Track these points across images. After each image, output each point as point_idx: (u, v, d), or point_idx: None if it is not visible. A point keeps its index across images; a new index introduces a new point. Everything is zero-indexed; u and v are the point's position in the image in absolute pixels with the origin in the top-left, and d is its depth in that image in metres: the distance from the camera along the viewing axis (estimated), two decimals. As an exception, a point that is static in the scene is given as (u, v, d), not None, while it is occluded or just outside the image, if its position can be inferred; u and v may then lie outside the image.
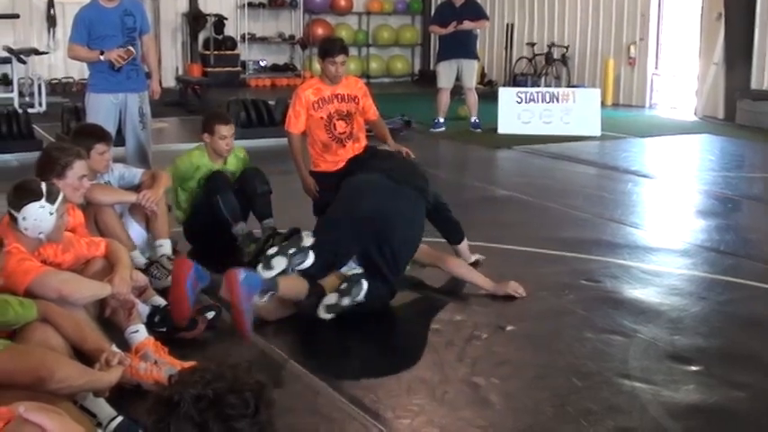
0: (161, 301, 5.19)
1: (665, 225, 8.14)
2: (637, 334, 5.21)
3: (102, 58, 7.72)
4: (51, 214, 4.43)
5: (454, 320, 5.43)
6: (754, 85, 15.37)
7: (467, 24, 13.25)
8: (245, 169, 6.95)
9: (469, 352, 4.95)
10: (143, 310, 5.07)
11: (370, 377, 4.69)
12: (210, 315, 5.18)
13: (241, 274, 4.95)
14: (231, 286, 4.88)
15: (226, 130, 6.80)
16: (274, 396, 2.12)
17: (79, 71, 15.93)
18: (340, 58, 7.03)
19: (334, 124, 7.13)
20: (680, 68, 17.24)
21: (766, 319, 5.66)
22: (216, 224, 6.63)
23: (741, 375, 4.72)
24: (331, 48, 7.10)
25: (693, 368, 4.81)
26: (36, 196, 4.42)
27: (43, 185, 4.52)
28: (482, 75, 19.53)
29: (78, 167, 5.30)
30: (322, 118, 7.11)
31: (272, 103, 13.01)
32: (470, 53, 13.56)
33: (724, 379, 4.67)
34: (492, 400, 4.40)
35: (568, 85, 17.01)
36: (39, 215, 4.40)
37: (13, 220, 4.42)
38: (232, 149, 6.90)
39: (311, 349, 5.10)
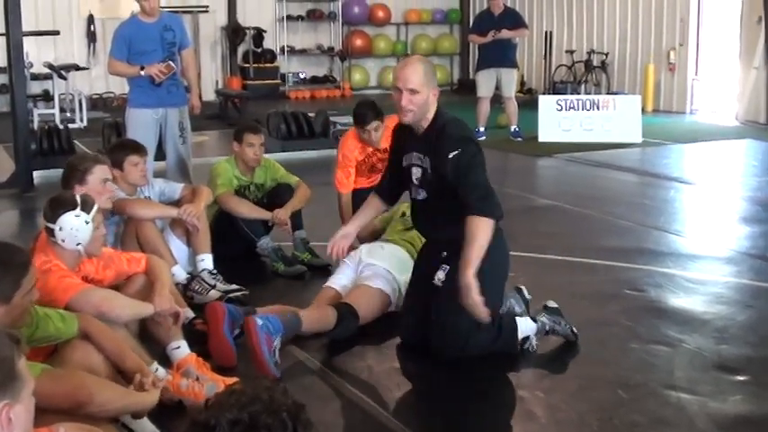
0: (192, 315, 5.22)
1: (709, 232, 8.04)
2: (682, 344, 5.14)
3: (142, 73, 7.77)
4: (87, 223, 4.43)
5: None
6: (796, 88, 15.20)
7: (505, 33, 13.21)
8: (278, 184, 6.96)
9: (512, 365, 4.91)
10: (189, 315, 5.10)
11: (407, 391, 4.66)
12: (235, 332, 5.15)
13: (258, 321, 4.77)
14: (250, 334, 4.73)
15: (254, 138, 6.81)
16: (311, 418, 2.09)
17: (120, 86, 16.08)
18: (373, 125, 6.98)
19: (376, 165, 7.15)
20: (720, 73, 17.07)
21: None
22: (239, 241, 6.66)
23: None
24: (362, 117, 7.02)
25: (741, 378, 4.73)
26: (71, 206, 4.44)
27: (78, 196, 4.54)
28: (521, 83, 19.46)
29: (99, 171, 5.37)
30: (365, 165, 7.20)
31: (311, 115, 13.02)
32: (509, 62, 13.51)
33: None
34: (537, 414, 4.36)
35: (608, 92, 16.89)
36: (75, 225, 4.41)
37: (50, 233, 4.43)
38: (260, 161, 6.90)
39: (354, 364, 5.05)
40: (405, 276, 5.50)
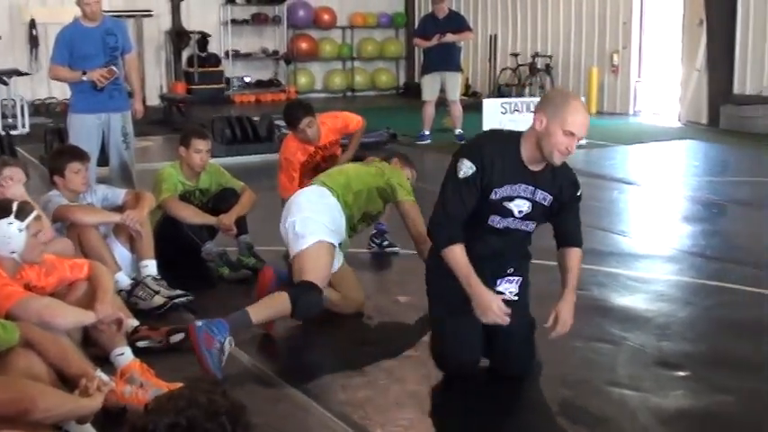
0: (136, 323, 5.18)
1: (652, 232, 8.15)
2: (625, 341, 5.22)
3: (84, 78, 7.71)
4: (20, 231, 4.38)
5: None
6: (736, 89, 15.41)
7: (450, 37, 13.26)
8: (223, 189, 6.93)
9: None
10: (133, 324, 5.08)
11: (358, 393, 4.67)
12: (178, 338, 5.15)
13: (198, 323, 4.79)
14: (189, 335, 4.79)
15: (202, 144, 6.78)
16: (251, 419, 2.09)
17: (62, 91, 15.87)
18: (305, 122, 7.08)
19: (320, 165, 7.18)
20: (663, 75, 17.29)
21: (752, 322, 5.67)
22: (184, 246, 6.61)
23: (728, 379, 4.72)
24: (292, 118, 7.16)
25: (681, 374, 4.82)
26: (4, 213, 4.40)
27: (15, 204, 4.50)
28: (467, 86, 19.52)
29: (7, 172, 5.44)
30: (309, 165, 7.25)
31: (256, 119, 12.99)
32: (454, 65, 13.57)
33: (711, 384, 4.68)
34: (481, 410, 4.39)
35: (552, 95, 16.98)
36: (8, 232, 4.36)
37: None
38: (206, 166, 6.87)
39: (297, 366, 5.06)
40: (329, 213, 5.53)
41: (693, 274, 6.72)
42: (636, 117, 17.14)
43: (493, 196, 4.46)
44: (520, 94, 17.66)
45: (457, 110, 13.63)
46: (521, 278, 4.74)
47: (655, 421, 4.24)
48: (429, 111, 13.55)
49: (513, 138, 4.53)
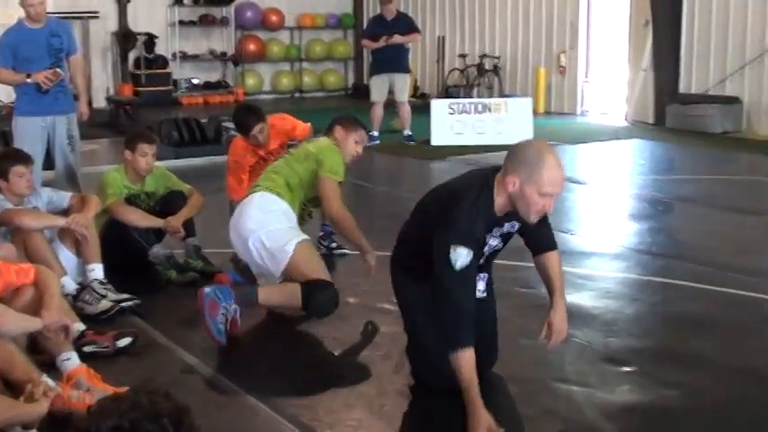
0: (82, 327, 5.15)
1: (599, 230, 8.23)
2: (572, 338, 5.23)
3: (28, 80, 7.64)
4: None
5: (391, 332, 5.42)
6: (682, 89, 15.62)
7: (397, 38, 13.30)
8: (170, 191, 6.89)
9: (407, 364, 4.93)
10: (79, 328, 5.04)
11: (308, 394, 4.66)
12: (125, 342, 5.13)
13: (206, 289, 5.11)
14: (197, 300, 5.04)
15: (148, 147, 6.71)
16: (196, 420, 2.08)
17: (7, 94, 15.69)
18: (257, 129, 7.04)
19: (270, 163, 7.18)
20: (610, 75, 17.45)
21: (697, 317, 5.75)
22: (131, 249, 6.55)
23: (674, 374, 4.79)
24: (245, 124, 7.09)
25: (627, 369, 4.88)
26: None
27: None
28: (415, 87, 19.57)
29: None
30: (259, 168, 7.15)
31: (204, 121, 12.92)
32: (402, 67, 13.62)
33: (657, 378, 4.74)
34: (429, 410, 4.41)
35: (501, 96, 17.10)
36: None
37: None
38: (152, 169, 6.82)
39: (246, 368, 5.05)
40: (286, 216, 5.56)
41: (640, 270, 6.79)
42: (583, 117, 17.27)
43: (486, 250, 4.40)
44: (468, 95, 17.74)
45: (405, 111, 13.67)
46: (487, 275, 4.68)
47: (601, 416, 4.29)
48: (377, 112, 13.57)
49: (485, 194, 4.13)
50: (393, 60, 13.39)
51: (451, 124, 13.64)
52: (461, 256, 3.98)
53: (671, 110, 15.31)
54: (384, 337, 5.37)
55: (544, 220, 4.36)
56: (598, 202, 9.66)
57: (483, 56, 18.73)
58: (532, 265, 6.69)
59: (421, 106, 15.28)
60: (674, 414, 4.36)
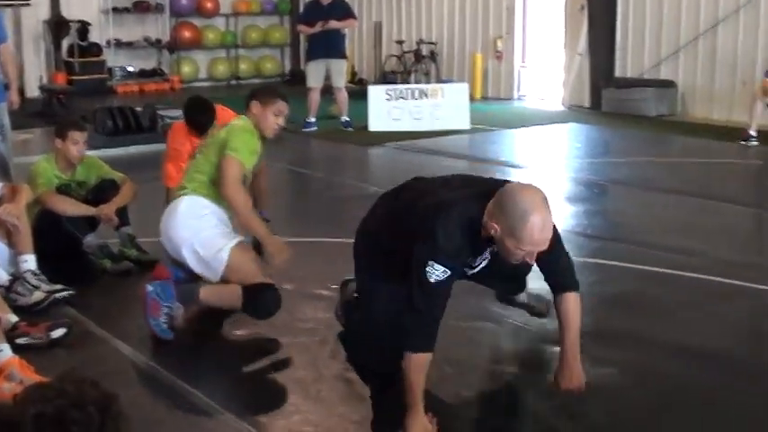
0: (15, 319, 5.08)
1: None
2: (506, 320, 5.29)
3: (-44, 70, 7.51)
4: None
5: (327, 318, 5.41)
6: (617, 73, 15.77)
7: (333, 24, 13.26)
8: (102, 180, 6.80)
9: (342, 348, 4.94)
10: (11, 320, 4.97)
11: (243, 381, 4.65)
12: (59, 333, 5.07)
13: (148, 287, 5.09)
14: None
15: (79, 135, 6.60)
16: (122, 409, 2.06)
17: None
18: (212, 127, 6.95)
19: None
20: (546, 60, 17.55)
21: (631, 297, 5.82)
22: (64, 239, 6.46)
23: (608, 352, 4.84)
24: (202, 125, 6.86)
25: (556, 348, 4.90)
26: None
27: None
28: (353, 73, 19.53)
29: None
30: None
31: (139, 109, 12.78)
32: (339, 52, 13.56)
33: (592, 357, 4.75)
34: (366, 395, 4.42)
35: (438, 81, 17.14)
36: None
37: None
38: (83, 158, 6.73)
39: (182, 357, 5.01)
40: (215, 217, 5.32)
41: (576, 252, 6.78)
42: (520, 102, 17.35)
43: (468, 272, 4.29)
44: (406, 81, 17.73)
45: (342, 97, 13.63)
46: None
47: (534, 396, 4.33)
48: (314, 98, 13.51)
49: (475, 222, 3.90)
50: (329, 46, 13.33)
51: (389, 110, 13.64)
52: (436, 274, 3.86)
53: (607, 94, 15.45)
54: (320, 323, 5.36)
55: (556, 252, 4.05)
56: (542, 187, 9.70)
57: (420, 42, 18.73)
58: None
59: (359, 92, 15.25)
60: (608, 391, 4.41)
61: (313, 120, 13.49)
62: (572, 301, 4.15)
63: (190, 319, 5.31)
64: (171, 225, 5.34)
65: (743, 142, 11.95)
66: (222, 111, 7.36)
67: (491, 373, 4.60)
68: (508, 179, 4.31)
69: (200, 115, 6.98)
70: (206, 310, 5.41)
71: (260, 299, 5.06)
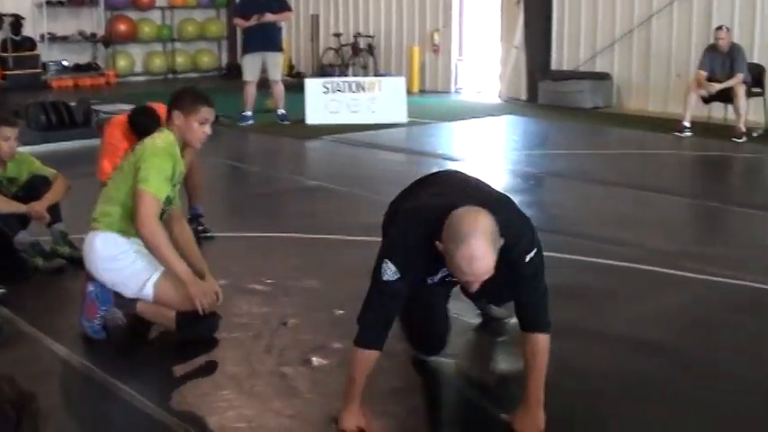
0: None
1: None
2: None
3: None
4: None
5: (262, 313, 5.39)
6: (554, 66, 15.90)
7: (269, 17, 13.18)
8: (33, 176, 6.68)
9: (277, 343, 4.92)
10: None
11: (177, 378, 4.60)
12: None
13: (90, 286, 4.99)
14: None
15: (10, 131, 6.48)
16: (40, 407, 2.02)
17: None
18: None
19: None
20: (483, 53, 17.61)
21: (569, 287, 5.82)
22: None
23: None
24: (145, 131, 6.71)
25: (498, 339, 4.93)
26: None
27: None
28: (290, 67, 19.47)
29: None
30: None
31: (73, 104, 12.60)
32: (275, 45, 13.49)
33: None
34: (300, 389, 4.40)
35: (375, 75, 17.13)
36: None
37: None
38: (14, 154, 6.60)
39: (115, 355, 4.94)
40: (131, 252, 5.00)
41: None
42: (458, 95, 17.41)
43: (429, 281, 4.18)
44: (343, 74, 17.70)
45: (279, 90, 13.57)
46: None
47: (469, 386, 4.34)
48: (250, 91, 13.43)
49: (434, 230, 3.70)
50: (265, 39, 13.25)
51: (326, 103, 13.61)
52: (388, 272, 3.80)
53: (543, 86, 15.55)
54: (255, 318, 5.31)
55: (530, 283, 3.94)
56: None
57: (357, 35, 18.72)
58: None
59: (296, 85, 15.18)
60: (546, 381, 4.42)
61: (249, 113, 13.42)
62: (540, 343, 3.91)
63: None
64: (91, 265, 5.06)
65: (677, 134, 12.11)
66: (161, 108, 7.23)
67: (424, 364, 4.58)
68: (504, 196, 4.26)
69: (142, 119, 6.85)
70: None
71: (192, 328, 4.94)
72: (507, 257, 3.73)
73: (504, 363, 4.68)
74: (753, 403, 4.29)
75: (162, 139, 4.94)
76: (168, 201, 4.97)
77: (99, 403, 4.32)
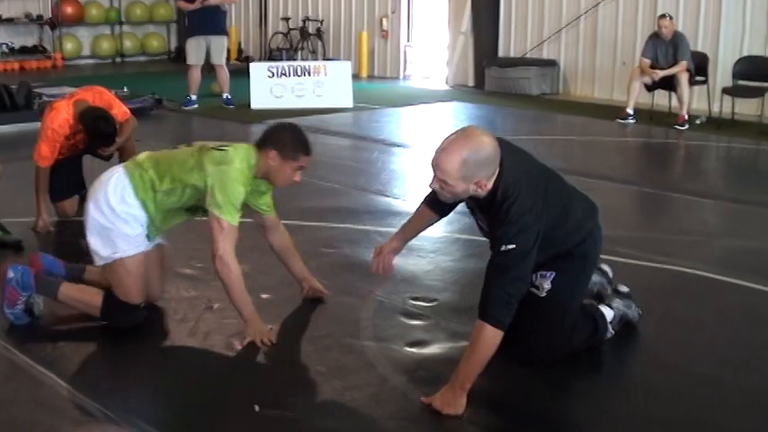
0: None
1: (410, 190, 8.29)
2: (370, 294, 5.28)
3: None
4: None
5: (189, 297, 5.34)
6: (501, 52, 15.94)
7: (213, 0, 13.09)
8: None
9: (202, 326, 4.88)
10: None
11: (97, 361, 4.56)
12: None
13: (10, 272, 4.86)
14: None
15: None
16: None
17: None
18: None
19: (78, 146, 6.98)
20: (431, 39, 17.62)
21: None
22: None
23: (468, 326, 4.81)
24: (108, 139, 6.81)
25: (423, 323, 4.94)
26: None
27: None
28: (239, 51, 19.38)
29: None
30: (70, 143, 6.90)
31: (14, 87, 12.42)
32: (219, 29, 13.38)
33: (452, 330, 4.80)
34: (223, 372, 4.37)
35: (324, 59, 17.07)
36: None
37: None
38: None
39: (35, 339, 4.85)
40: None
41: (446, 228, 6.83)
42: (406, 81, 17.40)
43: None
44: (292, 59, 17.63)
45: (223, 74, 13.47)
46: (554, 274, 4.37)
47: (393, 370, 4.32)
48: (195, 75, 13.32)
49: None
50: (209, 22, 13.14)
51: (271, 87, 13.55)
52: None
53: (490, 73, 15.59)
54: (181, 302, 5.26)
55: (493, 270, 4.01)
56: (413, 164, 9.73)
57: (306, 19, 18.64)
58: (338, 225, 6.78)
59: (244, 69, 15.09)
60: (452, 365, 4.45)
61: (194, 97, 13.31)
62: (481, 332, 3.93)
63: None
64: (98, 193, 4.83)
65: (621, 121, 12.19)
66: (100, 95, 7.09)
67: (349, 347, 4.57)
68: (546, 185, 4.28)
69: (102, 127, 6.76)
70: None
71: (116, 318, 4.82)
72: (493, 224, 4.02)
73: (424, 345, 4.66)
74: (677, 385, 4.32)
75: (241, 162, 4.67)
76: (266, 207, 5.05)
77: (18, 388, 4.26)
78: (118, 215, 4.74)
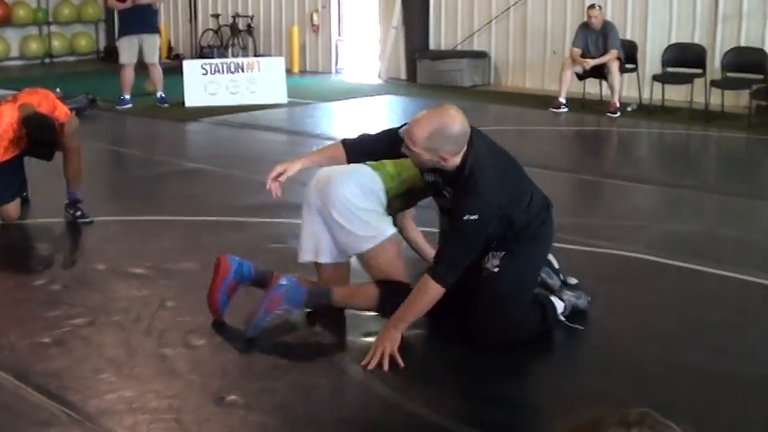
0: None
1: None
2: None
3: None
4: None
5: (141, 296, 5.35)
6: (432, 45, 16.06)
7: (144, -1, 13.02)
8: None
9: (157, 325, 4.90)
10: None
11: (55, 363, 4.54)
12: None
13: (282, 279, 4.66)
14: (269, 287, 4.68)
15: None
16: None
17: None
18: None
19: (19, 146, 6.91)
20: (362, 33, 17.67)
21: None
22: None
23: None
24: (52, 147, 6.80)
25: (370, 314, 4.96)
26: None
27: None
28: (169, 49, 19.24)
29: None
30: (13, 143, 6.85)
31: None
32: (151, 27, 13.28)
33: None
34: (180, 369, 4.40)
35: (255, 55, 17.04)
36: None
37: None
38: None
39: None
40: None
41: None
42: (339, 75, 17.42)
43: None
44: (223, 56, 17.55)
45: (157, 72, 13.39)
46: (503, 253, 4.54)
47: (351, 360, 4.39)
48: (128, 74, 13.21)
49: None
50: (141, 21, 13.02)
51: (205, 85, 13.51)
52: None
53: (422, 66, 15.69)
54: (134, 301, 5.27)
55: (452, 234, 4.37)
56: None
57: (236, 15, 18.57)
58: (283, 220, 6.81)
59: (175, 67, 15.00)
60: (420, 349, 4.54)
61: (127, 97, 13.19)
62: (425, 283, 4.31)
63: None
64: (336, 179, 4.87)
65: (554, 110, 12.37)
66: (46, 98, 7.02)
67: (304, 341, 4.63)
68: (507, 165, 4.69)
69: (45, 136, 6.71)
70: (12, 287, 5.25)
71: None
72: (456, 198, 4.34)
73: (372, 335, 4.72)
74: (628, 365, 4.45)
75: None
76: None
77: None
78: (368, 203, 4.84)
